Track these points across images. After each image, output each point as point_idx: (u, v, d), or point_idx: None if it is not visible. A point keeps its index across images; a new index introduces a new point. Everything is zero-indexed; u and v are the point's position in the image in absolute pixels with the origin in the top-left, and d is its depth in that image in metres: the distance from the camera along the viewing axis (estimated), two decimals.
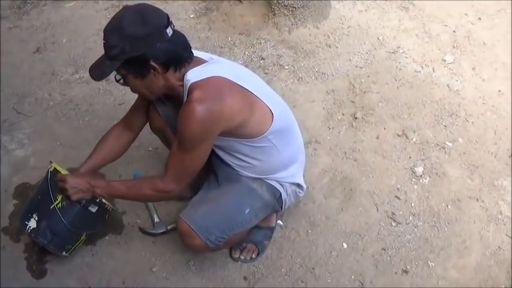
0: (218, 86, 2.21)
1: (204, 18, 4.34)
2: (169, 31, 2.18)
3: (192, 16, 4.38)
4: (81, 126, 3.48)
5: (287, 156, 2.54)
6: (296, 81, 3.76)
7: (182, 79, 2.26)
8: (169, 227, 2.87)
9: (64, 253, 2.62)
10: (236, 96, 2.24)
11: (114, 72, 2.26)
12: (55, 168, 2.57)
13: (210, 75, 2.22)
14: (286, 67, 3.86)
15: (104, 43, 2.22)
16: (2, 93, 3.70)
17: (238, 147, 2.43)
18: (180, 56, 2.23)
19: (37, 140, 3.40)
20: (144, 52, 2.16)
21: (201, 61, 2.31)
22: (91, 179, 2.52)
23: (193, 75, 2.23)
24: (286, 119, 2.53)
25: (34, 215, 2.54)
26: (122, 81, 2.32)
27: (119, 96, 3.65)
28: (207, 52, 2.62)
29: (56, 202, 2.51)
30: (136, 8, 2.19)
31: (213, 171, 2.66)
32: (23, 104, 3.64)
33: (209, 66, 2.28)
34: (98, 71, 2.25)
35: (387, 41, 4.07)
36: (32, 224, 2.53)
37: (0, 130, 3.45)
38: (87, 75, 3.69)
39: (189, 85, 2.22)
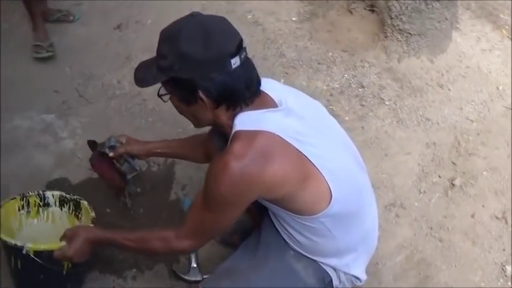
0: (265, 144, 1.79)
1: (307, 24, 3.89)
2: (234, 62, 1.78)
3: (294, 19, 3.94)
4: (142, 127, 3.19)
5: (343, 244, 2.05)
6: (395, 122, 3.24)
7: (233, 119, 1.88)
8: (205, 277, 2.50)
9: None
10: (285, 164, 1.81)
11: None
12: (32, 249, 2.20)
13: (261, 129, 1.81)
14: (387, 102, 3.35)
15: (157, 45, 1.86)
16: (70, 69, 3.46)
17: (283, 217, 2.00)
18: (238, 94, 1.84)
19: (91, 132, 3.11)
20: (193, 78, 1.79)
21: (265, 102, 1.90)
22: (88, 235, 2.16)
23: (242, 120, 1.85)
24: (351, 202, 2.01)
25: None
26: (166, 98, 1.94)
27: None
28: (287, 87, 2.17)
29: (64, 269, 2.26)
30: (205, 21, 1.83)
31: (260, 225, 2.24)
32: (87, 87, 3.40)
33: (267, 115, 1.86)
34: (142, 75, 1.91)
35: (507, 94, 3.45)
36: None
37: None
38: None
39: (233, 132, 1.84)
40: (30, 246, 2.15)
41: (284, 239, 2.08)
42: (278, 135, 1.81)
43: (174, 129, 3.13)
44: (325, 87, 3.42)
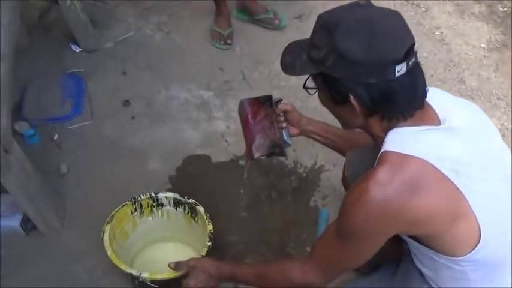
0: (416, 173, 1.50)
1: (495, 54, 3.53)
2: (400, 69, 1.48)
3: (483, 46, 3.60)
4: None
5: None
6: None
7: (387, 132, 1.60)
8: None
9: None
10: (435, 199, 1.51)
11: None
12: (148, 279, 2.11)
13: (414, 154, 1.51)
14: None
15: (312, 31, 1.60)
16: (240, 50, 3.40)
17: (417, 252, 1.74)
18: (397, 106, 1.55)
19: None
20: (346, 80, 1.54)
21: (426, 118, 1.60)
22: (212, 271, 2.01)
23: (395, 139, 1.56)
24: (500, 250, 1.66)
25: None
26: (312, 91, 1.71)
27: None
28: (461, 100, 1.81)
29: None
30: (373, 14, 1.53)
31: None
32: (253, 72, 3.31)
33: (426, 135, 1.56)
34: (290, 60, 1.67)
35: None
36: None
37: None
38: None
39: (382, 151, 1.57)
40: (146, 276, 2.08)
41: (421, 273, 1.82)
42: (432, 165, 1.51)
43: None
44: (499, 126, 3.07)
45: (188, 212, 2.39)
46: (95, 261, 2.44)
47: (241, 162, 2.85)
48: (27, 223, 2.52)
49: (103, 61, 3.38)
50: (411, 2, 3.85)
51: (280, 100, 2.17)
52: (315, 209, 2.68)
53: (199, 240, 2.30)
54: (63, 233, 2.56)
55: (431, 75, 3.35)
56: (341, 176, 2.28)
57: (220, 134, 2.98)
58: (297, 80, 3.16)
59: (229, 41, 3.46)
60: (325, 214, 2.61)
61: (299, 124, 2.21)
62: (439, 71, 3.41)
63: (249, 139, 2.15)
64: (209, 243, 2.18)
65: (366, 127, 1.66)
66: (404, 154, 1.52)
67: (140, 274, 2.07)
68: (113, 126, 3.02)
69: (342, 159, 2.68)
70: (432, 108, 1.62)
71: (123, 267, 2.11)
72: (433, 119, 1.60)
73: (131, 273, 2.09)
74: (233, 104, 3.11)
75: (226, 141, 2.95)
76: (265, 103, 2.14)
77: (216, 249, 2.35)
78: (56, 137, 2.93)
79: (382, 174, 1.50)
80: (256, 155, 2.13)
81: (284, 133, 2.15)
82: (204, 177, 2.80)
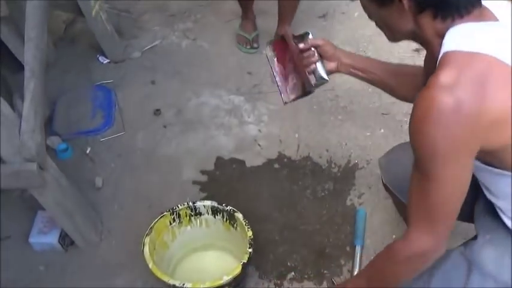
0: (484, 71, 1.32)
1: None
2: None
3: None
4: (328, 125, 2.99)
5: None
6: None
7: (443, 35, 1.42)
8: None
9: None
10: (509, 95, 1.33)
11: None
12: None
13: (479, 51, 1.34)
14: None
15: None
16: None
17: (491, 185, 1.55)
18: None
19: (276, 122, 3.03)
20: None
21: (484, 15, 1.42)
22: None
23: (454, 38, 1.39)
24: None
25: None
26: None
27: (385, 104, 3.04)
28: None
29: None
30: None
31: None
32: None
33: (487, 31, 1.40)
34: None
35: None
36: None
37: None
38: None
39: (442, 53, 1.39)
40: (189, 287, 2.04)
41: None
42: (501, 60, 1.34)
43: (363, 133, 2.92)
44: None
45: (227, 220, 2.36)
46: (135, 274, 2.43)
47: (276, 166, 2.82)
48: (65, 239, 2.52)
49: (131, 71, 3.38)
50: None
51: (307, 33, 1.95)
52: (351, 208, 2.64)
53: (240, 247, 2.27)
54: (102, 247, 2.56)
55: None
56: (380, 176, 2.21)
57: (253, 138, 2.96)
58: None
59: (255, 45, 3.44)
60: (362, 213, 2.56)
61: (335, 57, 1.97)
62: None
63: (280, 83, 2.03)
64: (250, 250, 2.15)
65: (418, 31, 1.47)
66: (468, 52, 1.35)
67: (183, 285, 2.05)
68: (145, 136, 3.02)
69: (376, 157, 2.66)
70: (487, 8, 1.44)
71: (165, 278, 2.09)
72: (491, 17, 1.43)
73: (174, 285, 2.07)
74: (263, 107, 3.09)
75: (259, 145, 2.92)
76: (293, 41, 1.96)
77: (257, 254, 2.34)
78: (88, 151, 2.93)
79: (446, 77, 1.32)
80: (290, 98, 2.03)
81: (319, 68, 1.94)
82: (240, 182, 2.78)
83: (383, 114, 3.00)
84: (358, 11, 3.57)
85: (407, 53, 3.28)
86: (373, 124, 2.97)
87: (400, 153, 1.94)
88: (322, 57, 1.95)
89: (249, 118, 3.06)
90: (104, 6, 3.28)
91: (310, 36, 1.93)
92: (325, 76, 1.94)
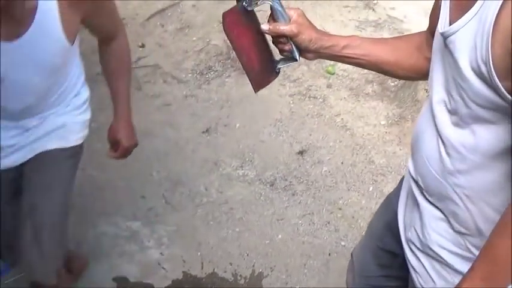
0: None
1: (396, 128, 3.83)
2: None
3: (383, 123, 3.88)
4: (228, 238, 3.12)
5: None
6: None
7: None
8: None
9: None
10: None
11: None
12: None
13: None
14: None
15: None
16: (157, 175, 3.45)
17: None
18: None
19: (176, 243, 3.10)
20: None
21: None
22: None
23: None
24: None
25: None
26: None
27: (279, 209, 3.23)
28: None
29: None
30: None
31: None
32: (175, 193, 3.36)
33: None
34: None
35: None
36: None
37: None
38: (251, 173, 3.38)
39: None
40: None
41: None
42: None
43: (262, 241, 3.07)
44: None
45: None
46: None
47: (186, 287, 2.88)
48: None
49: None
50: (308, 95, 4.06)
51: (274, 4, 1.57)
52: None
53: None
54: None
55: (342, 163, 3.56)
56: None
57: (156, 262, 3.01)
58: (218, 194, 3.27)
59: None
60: None
61: (315, 41, 1.60)
62: (347, 156, 3.62)
63: (246, 68, 1.65)
64: None
65: None
66: None
67: None
68: None
69: (278, 263, 2.80)
70: None
71: None
72: None
73: None
74: (162, 230, 3.17)
75: (164, 268, 2.98)
76: (249, 15, 1.61)
77: None
78: None
79: None
80: (257, 90, 1.69)
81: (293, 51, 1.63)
82: None
83: (278, 220, 3.17)
84: (239, 122, 3.78)
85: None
86: (270, 231, 3.12)
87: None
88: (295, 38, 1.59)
89: (149, 242, 3.11)
90: None
91: (279, 9, 1.57)
92: (296, 56, 1.63)
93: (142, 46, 4.33)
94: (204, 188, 3.37)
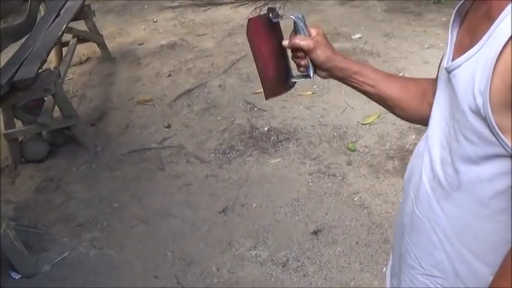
0: None
1: None
2: None
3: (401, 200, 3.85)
4: None
5: None
6: None
7: None
8: None
9: None
10: None
11: None
12: None
13: None
14: None
15: None
16: (172, 254, 3.56)
17: None
18: None
19: None
20: None
21: None
22: None
23: None
24: None
25: None
26: None
27: None
28: None
29: None
30: None
31: None
32: (187, 274, 3.44)
33: None
34: None
35: None
36: None
37: None
38: (264, 253, 3.44)
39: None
40: None
41: None
42: None
43: None
44: None
45: None
46: None
47: None
48: None
49: (42, 285, 3.49)
50: (327, 173, 4.14)
51: (296, 21, 1.65)
52: None
53: None
54: None
55: (356, 243, 3.57)
56: None
57: None
58: (229, 275, 3.34)
59: None
60: None
61: (330, 61, 1.68)
62: (362, 236, 3.63)
63: (261, 74, 1.72)
64: None
65: None
66: None
67: None
68: None
69: None
70: None
71: None
72: None
73: None
74: None
75: None
76: (273, 25, 1.69)
77: None
78: None
79: None
80: (267, 98, 1.75)
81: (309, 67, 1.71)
82: None
83: None
84: (256, 203, 3.88)
85: None
86: None
87: None
88: (311, 53, 1.67)
89: None
90: (11, 224, 3.45)
91: (301, 24, 1.65)
92: (311, 73, 1.71)
93: (168, 126, 4.53)
94: (215, 269, 3.44)
